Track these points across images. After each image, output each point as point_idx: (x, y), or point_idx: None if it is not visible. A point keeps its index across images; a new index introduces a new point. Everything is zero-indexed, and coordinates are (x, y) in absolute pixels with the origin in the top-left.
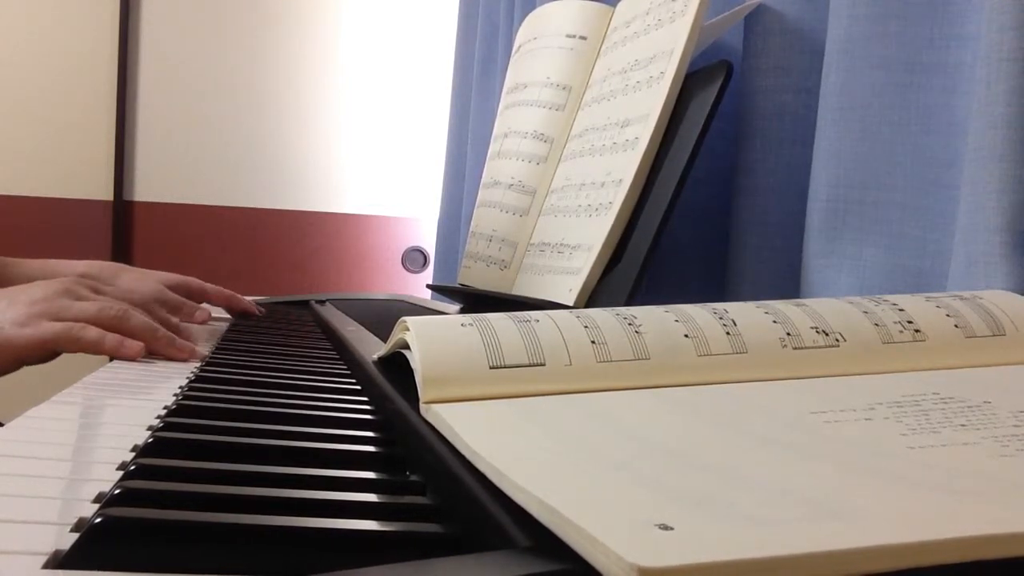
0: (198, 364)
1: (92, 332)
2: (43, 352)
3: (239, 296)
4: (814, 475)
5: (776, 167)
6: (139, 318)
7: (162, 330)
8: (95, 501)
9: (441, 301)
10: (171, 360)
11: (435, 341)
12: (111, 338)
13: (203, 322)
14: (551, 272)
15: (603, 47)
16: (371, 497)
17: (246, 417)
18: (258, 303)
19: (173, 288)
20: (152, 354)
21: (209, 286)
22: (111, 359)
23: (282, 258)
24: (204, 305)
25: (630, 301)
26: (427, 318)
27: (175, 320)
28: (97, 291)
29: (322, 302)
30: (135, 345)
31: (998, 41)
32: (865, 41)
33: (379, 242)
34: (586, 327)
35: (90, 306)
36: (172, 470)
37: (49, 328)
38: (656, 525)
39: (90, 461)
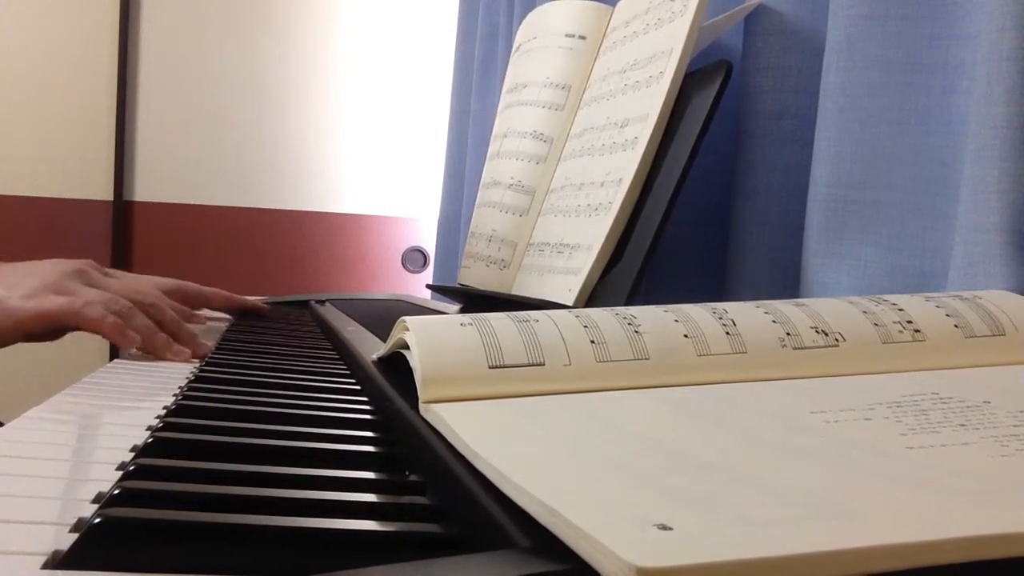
0: (198, 364)
1: (95, 310)
2: (46, 324)
3: (239, 297)
4: (814, 475)
5: (776, 167)
6: (142, 318)
7: (161, 334)
8: (94, 501)
9: (441, 301)
10: (168, 361)
11: (434, 341)
12: (112, 319)
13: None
14: (551, 272)
15: (602, 47)
16: (371, 497)
17: (246, 417)
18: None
19: (169, 294)
20: (149, 354)
21: (208, 290)
22: (111, 358)
23: (282, 258)
24: (204, 311)
25: (630, 301)
26: (426, 318)
27: (187, 315)
28: (105, 280)
29: (322, 302)
30: (134, 336)
31: (998, 41)
32: (865, 41)
33: (379, 242)
34: (585, 327)
35: (98, 295)
36: (171, 470)
37: (54, 301)
38: (655, 525)
39: (89, 461)
